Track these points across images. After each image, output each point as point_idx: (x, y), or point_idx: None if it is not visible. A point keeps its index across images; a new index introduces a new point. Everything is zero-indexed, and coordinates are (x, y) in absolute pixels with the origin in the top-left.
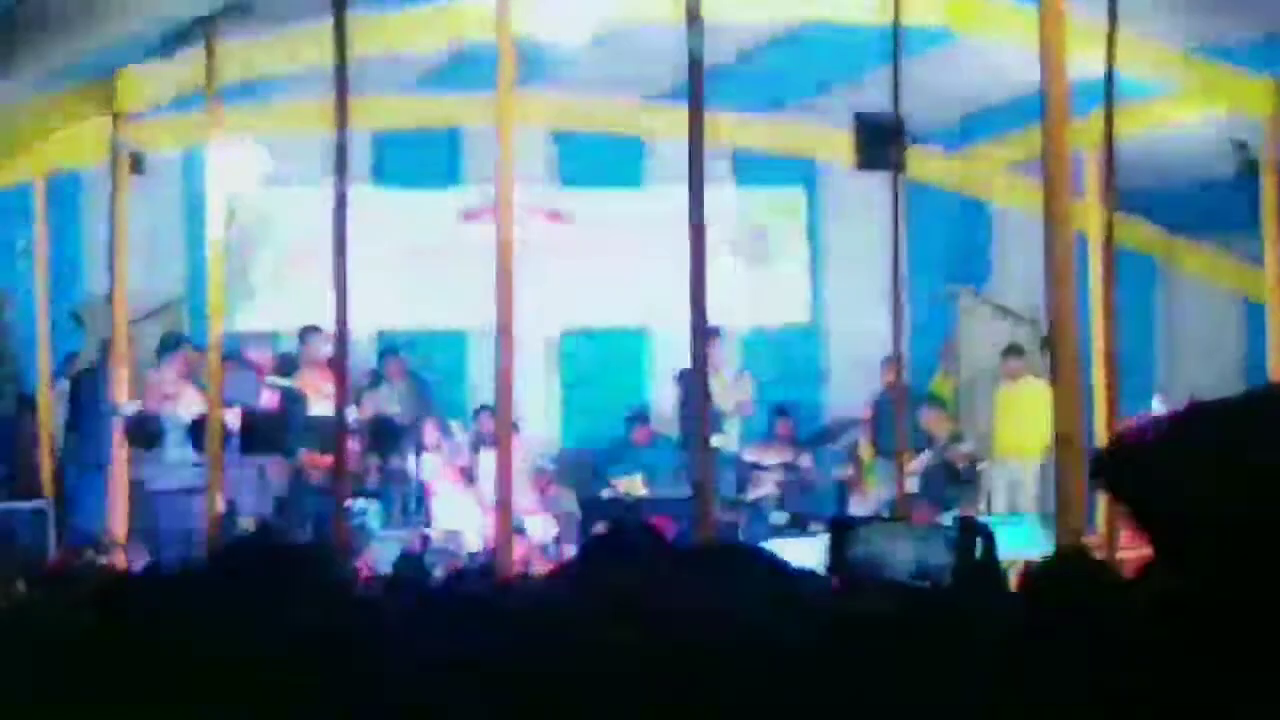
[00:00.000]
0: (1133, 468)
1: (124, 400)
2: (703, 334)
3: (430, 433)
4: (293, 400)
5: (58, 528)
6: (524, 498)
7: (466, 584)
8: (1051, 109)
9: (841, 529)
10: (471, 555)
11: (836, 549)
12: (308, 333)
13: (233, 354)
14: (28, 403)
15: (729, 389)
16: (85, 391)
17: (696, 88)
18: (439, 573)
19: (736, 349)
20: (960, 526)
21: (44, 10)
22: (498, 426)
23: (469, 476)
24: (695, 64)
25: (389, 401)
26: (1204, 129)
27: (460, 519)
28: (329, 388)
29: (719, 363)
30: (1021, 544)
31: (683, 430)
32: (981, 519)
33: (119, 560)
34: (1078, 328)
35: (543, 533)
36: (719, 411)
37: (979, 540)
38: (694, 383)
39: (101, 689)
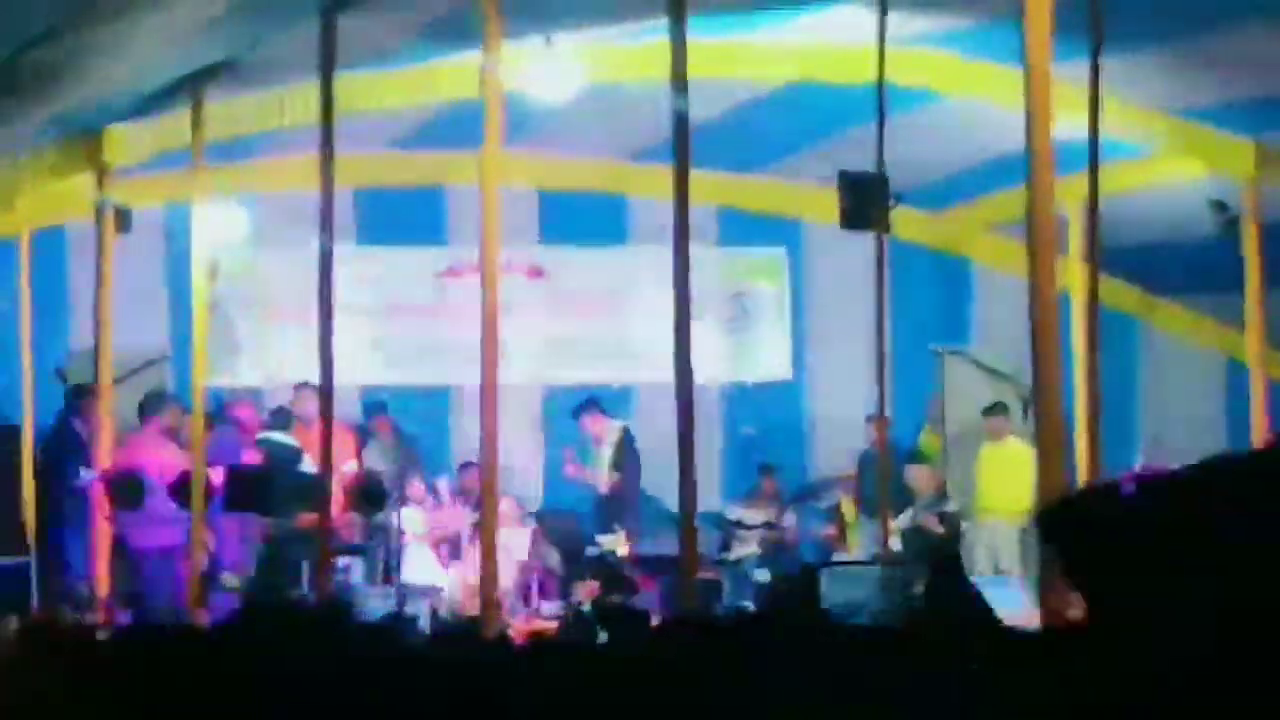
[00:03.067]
0: (1084, 531)
1: (104, 458)
2: (689, 393)
3: (415, 489)
4: (281, 457)
5: (41, 584)
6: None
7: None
8: (1037, 169)
9: (809, 574)
10: (452, 612)
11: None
12: (300, 388)
13: (217, 411)
14: (11, 459)
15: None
16: (60, 447)
17: (682, 147)
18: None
19: (718, 404)
20: (931, 565)
21: (32, 68)
22: (483, 485)
23: (444, 539)
24: (680, 123)
25: (376, 459)
26: (1185, 190)
27: (427, 575)
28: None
29: (599, 436)
30: (1003, 606)
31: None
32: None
33: (102, 617)
34: (1061, 388)
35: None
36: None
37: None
38: (686, 444)
39: None
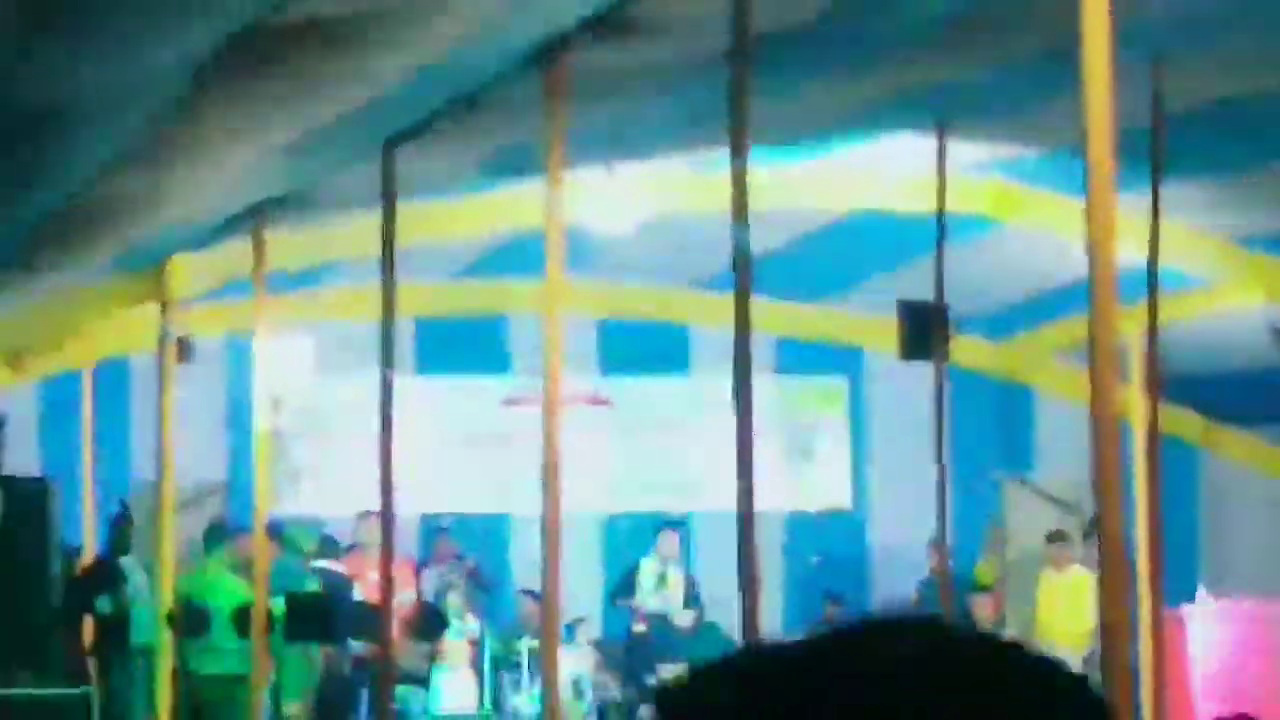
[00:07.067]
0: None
1: (166, 587)
2: (749, 523)
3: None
4: (337, 585)
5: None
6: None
7: None
8: (1099, 298)
9: None
10: None
11: None
12: (364, 517)
13: (278, 540)
14: (75, 590)
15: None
16: (108, 571)
17: (743, 277)
18: None
19: (780, 533)
20: None
21: (96, 203)
22: (545, 617)
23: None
24: (742, 253)
25: (436, 583)
26: (1247, 318)
27: (463, 702)
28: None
29: (671, 555)
30: None
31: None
32: None
33: None
34: (1123, 520)
35: None
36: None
37: None
38: (748, 573)
39: None
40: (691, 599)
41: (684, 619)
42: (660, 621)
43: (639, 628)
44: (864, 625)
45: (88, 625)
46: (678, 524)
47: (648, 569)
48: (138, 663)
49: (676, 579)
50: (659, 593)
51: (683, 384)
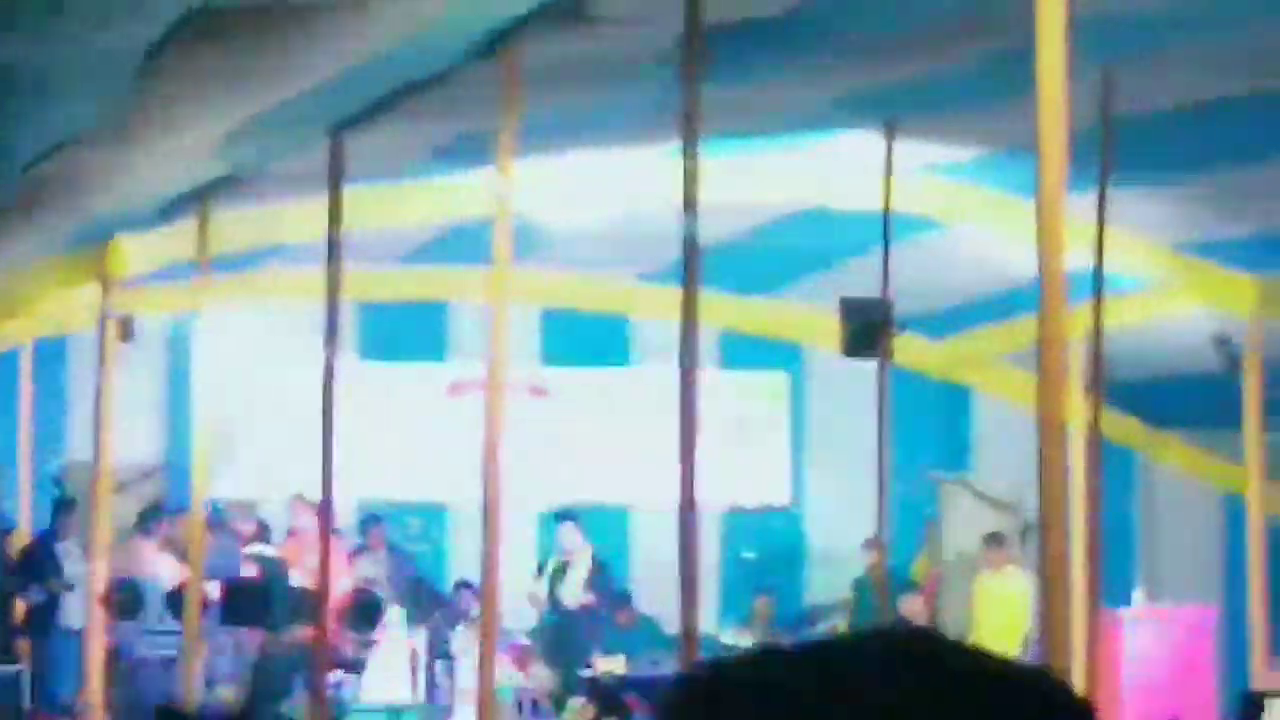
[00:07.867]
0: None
1: (100, 568)
2: (691, 517)
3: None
4: (273, 571)
5: (31, 693)
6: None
7: None
8: (1048, 298)
9: None
10: None
11: None
12: (295, 501)
13: (215, 523)
14: (7, 568)
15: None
16: (44, 555)
17: (692, 270)
18: None
19: (715, 527)
20: None
21: (41, 181)
22: (483, 606)
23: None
24: (690, 245)
25: (369, 572)
26: (1188, 325)
27: (390, 693)
28: (313, 558)
29: (574, 549)
30: None
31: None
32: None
33: None
34: (1066, 521)
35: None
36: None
37: None
38: (687, 566)
39: None
40: (597, 585)
41: (572, 601)
42: (558, 610)
43: (552, 618)
44: (867, 633)
45: (19, 606)
46: (571, 516)
47: (551, 563)
48: (69, 643)
49: (580, 570)
50: (559, 585)
51: (622, 376)
